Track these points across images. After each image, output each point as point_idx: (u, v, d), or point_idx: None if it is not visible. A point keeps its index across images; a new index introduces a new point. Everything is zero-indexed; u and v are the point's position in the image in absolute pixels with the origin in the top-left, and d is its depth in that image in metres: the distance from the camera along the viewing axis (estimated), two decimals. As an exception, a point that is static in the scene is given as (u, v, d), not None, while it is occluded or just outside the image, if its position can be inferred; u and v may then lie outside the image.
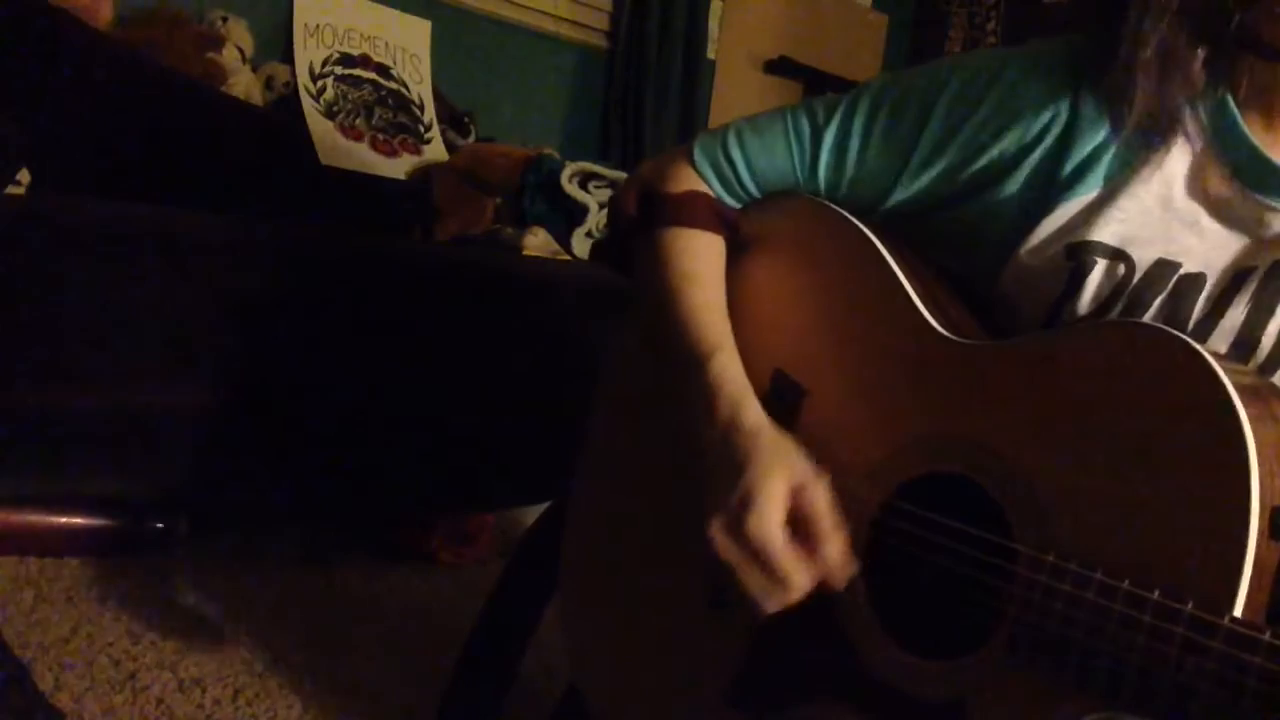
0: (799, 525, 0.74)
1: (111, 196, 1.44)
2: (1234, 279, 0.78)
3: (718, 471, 0.77)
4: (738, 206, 0.95)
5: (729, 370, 0.83)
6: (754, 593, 0.74)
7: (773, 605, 0.74)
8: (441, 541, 1.70)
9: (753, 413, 0.80)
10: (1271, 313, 0.78)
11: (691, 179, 0.94)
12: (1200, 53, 0.75)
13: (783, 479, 0.74)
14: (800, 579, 0.73)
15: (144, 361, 1.31)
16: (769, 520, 0.73)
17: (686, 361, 0.85)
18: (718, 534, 0.75)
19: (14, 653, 1.18)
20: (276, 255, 1.45)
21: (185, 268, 1.36)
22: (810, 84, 3.11)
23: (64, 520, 1.46)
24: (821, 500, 0.75)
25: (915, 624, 0.74)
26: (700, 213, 0.91)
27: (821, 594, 0.74)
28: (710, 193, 0.93)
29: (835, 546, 0.74)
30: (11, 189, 1.50)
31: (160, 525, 1.50)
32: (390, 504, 1.65)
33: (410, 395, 1.52)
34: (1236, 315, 0.78)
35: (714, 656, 0.85)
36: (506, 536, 1.78)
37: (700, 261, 0.91)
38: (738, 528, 0.74)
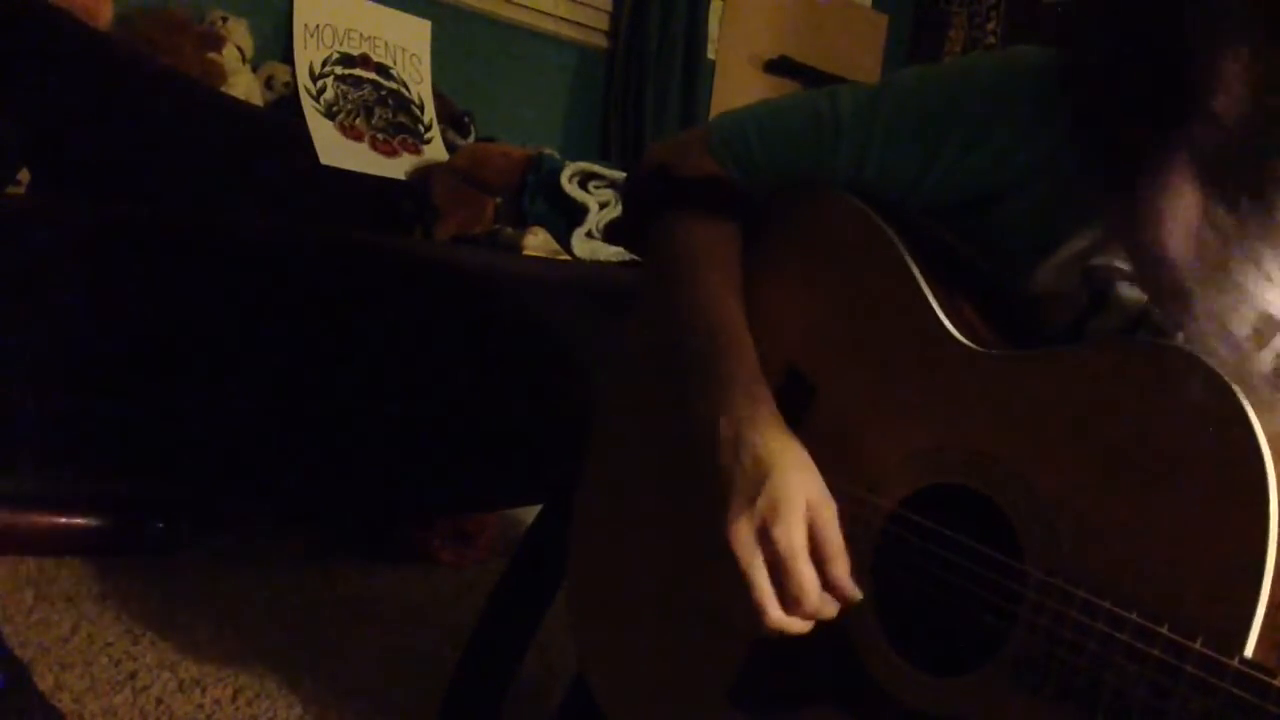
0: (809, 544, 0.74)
1: (111, 196, 1.44)
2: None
3: (736, 471, 0.76)
4: (755, 193, 0.91)
5: (745, 365, 0.81)
6: (762, 599, 0.73)
7: (777, 617, 0.73)
8: (441, 541, 1.70)
9: (770, 413, 0.79)
10: None
11: (709, 163, 0.91)
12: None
13: (803, 495, 0.74)
14: (813, 595, 0.73)
15: (144, 361, 1.31)
16: (798, 532, 0.73)
17: (699, 351, 0.82)
18: (742, 533, 0.73)
19: (14, 653, 1.18)
20: (277, 255, 1.45)
21: (186, 268, 1.36)
22: (810, 84, 3.10)
23: (64, 520, 1.46)
24: (833, 523, 0.75)
25: (919, 636, 0.74)
26: (717, 198, 0.89)
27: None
28: (727, 177, 0.91)
29: (842, 569, 0.74)
30: (11, 189, 1.50)
31: (160, 525, 1.50)
32: (390, 504, 1.65)
33: (410, 395, 1.52)
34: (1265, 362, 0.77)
35: (717, 655, 0.84)
36: (506, 536, 1.78)
37: (716, 247, 0.88)
38: (765, 532, 0.73)
